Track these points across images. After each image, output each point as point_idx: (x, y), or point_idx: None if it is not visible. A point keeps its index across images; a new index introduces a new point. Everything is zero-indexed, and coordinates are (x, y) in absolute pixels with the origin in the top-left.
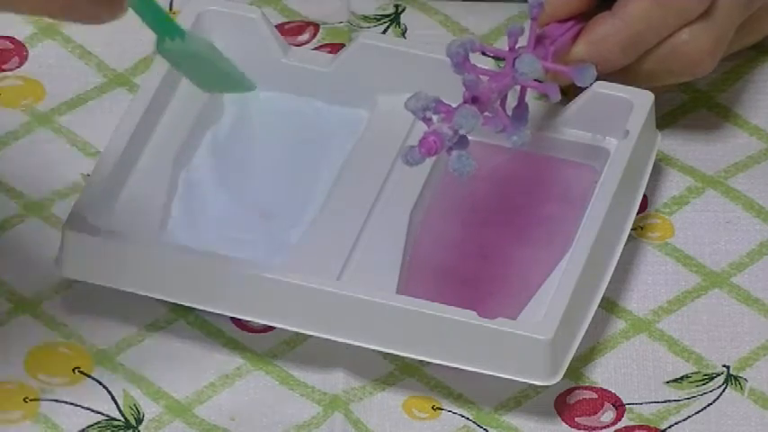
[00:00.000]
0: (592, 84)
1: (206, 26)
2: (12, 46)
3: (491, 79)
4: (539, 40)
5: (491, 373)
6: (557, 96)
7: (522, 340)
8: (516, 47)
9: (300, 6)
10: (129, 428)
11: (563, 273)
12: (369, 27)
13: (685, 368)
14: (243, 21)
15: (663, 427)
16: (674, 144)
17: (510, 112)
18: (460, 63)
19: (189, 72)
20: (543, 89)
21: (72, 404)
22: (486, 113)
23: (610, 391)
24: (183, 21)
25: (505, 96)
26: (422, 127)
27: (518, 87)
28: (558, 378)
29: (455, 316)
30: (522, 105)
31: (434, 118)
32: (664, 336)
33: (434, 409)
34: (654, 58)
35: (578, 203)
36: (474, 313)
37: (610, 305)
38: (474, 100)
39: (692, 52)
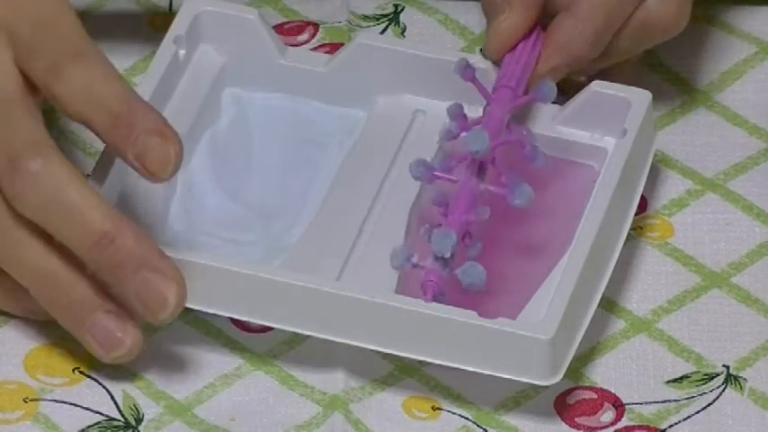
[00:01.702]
0: (553, 99)
1: (203, 27)
2: None
3: (460, 179)
4: (497, 89)
5: (491, 373)
6: (552, 96)
7: (521, 340)
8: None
9: (300, 6)
10: (129, 428)
11: (563, 272)
12: (368, 26)
13: (685, 368)
14: (240, 22)
15: (663, 427)
16: (672, 144)
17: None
18: (428, 179)
19: None
20: (533, 99)
21: (72, 404)
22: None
23: (610, 391)
24: (181, 22)
25: (491, 160)
26: (420, 128)
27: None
28: (558, 378)
29: (455, 316)
30: (510, 169)
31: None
32: (664, 336)
33: (434, 409)
34: (625, 36)
35: (577, 203)
36: (474, 313)
37: (610, 305)
38: (446, 208)
39: (661, 19)
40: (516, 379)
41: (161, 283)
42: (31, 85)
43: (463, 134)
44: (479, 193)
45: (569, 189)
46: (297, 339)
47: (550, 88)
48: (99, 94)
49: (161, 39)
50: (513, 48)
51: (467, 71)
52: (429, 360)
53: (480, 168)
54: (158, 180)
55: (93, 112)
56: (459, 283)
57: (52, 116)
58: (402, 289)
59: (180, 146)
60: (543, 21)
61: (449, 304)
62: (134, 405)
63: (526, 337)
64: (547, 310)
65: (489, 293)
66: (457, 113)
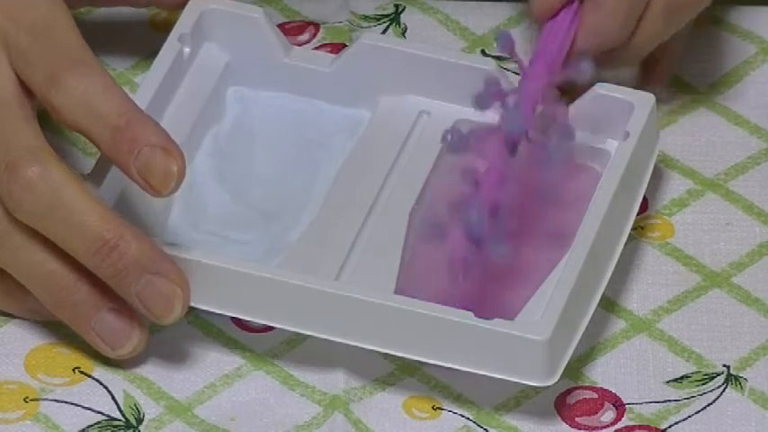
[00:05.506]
0: (590, 76)
1: (208, 26)
2: None
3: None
4: (534, 63)
5: (488, 374)
6: (588, 73)
7: (518, 341)
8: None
9: (301, 6)
10: (129, 428)
11: (561, 273)
12: (369, 27)
13: (685, 368)
14: (245, 20)
15: (663, 426)
16: (673, 145)
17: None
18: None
19: None
20: (571, 75)
21: (72, 404)
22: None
23: (610, 391)
24: (186, 20)
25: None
26: (423, 129)
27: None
28: (555, 379)
29: (452, 316)
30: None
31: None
32: (664, 336)
33: (434, 409)
34: (653, 18)
35: (578, 204)
36: (471, 314)
37: (610, 305)
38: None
39: None
40: (513, 380)
41: (165, 288)
42: (26, 89)
43: (496, 104)
44: (510, 170)
45: (571, 191)
46: (297, 339)
47: (587, 65)
48: (98, 105)
49: (163, 38)
50: (555, 15)
51: (506, 43)
52: (426, 360)
53: (513, 144)
54: (160, 195)
55: (91, 124)
56: (484, 265)
57: (50, 115)
58: (401, 289)
59: (183, 161)
60: None
61: (447, 304)
62: (135, 405)
63: (522, 337)
64: (544, 310)
65: (488, 294)
66: (487, 93)
